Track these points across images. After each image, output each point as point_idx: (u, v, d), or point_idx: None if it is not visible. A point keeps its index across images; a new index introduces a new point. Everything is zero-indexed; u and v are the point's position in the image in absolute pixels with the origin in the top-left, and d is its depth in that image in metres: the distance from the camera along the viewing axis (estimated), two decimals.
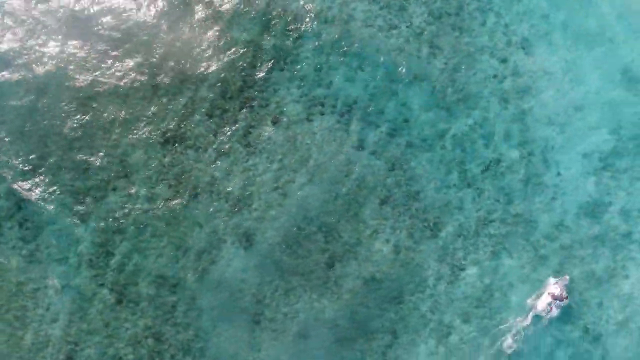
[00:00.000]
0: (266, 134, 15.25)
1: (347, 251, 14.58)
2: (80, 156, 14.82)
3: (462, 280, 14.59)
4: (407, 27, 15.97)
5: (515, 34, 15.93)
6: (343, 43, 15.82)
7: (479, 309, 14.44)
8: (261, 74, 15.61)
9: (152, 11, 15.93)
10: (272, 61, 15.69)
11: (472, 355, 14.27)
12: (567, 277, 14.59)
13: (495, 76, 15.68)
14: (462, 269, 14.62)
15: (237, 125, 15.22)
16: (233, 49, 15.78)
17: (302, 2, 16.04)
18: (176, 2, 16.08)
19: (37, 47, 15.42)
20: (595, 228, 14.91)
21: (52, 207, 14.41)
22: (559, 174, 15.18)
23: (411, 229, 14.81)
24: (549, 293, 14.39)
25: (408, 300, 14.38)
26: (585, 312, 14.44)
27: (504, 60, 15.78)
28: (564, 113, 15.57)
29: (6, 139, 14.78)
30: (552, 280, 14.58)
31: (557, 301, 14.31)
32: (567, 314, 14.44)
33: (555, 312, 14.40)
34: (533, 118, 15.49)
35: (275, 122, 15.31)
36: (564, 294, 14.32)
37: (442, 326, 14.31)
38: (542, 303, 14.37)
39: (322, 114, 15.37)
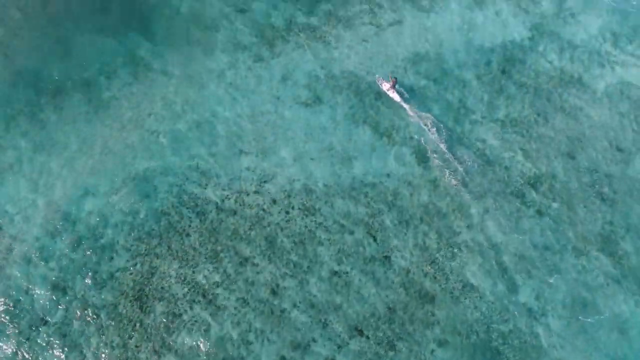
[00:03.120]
0: None
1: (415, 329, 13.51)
2: None
3: None
4: None
5: None
6: None
7: None
8: None
9: None
10: None
11: None
12: (378, 76, 18.06)
13: None
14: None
15: None
16: None
17: None
18: None
19: None
20: None
21: None
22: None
23: (369, 262, 14.33)
24: (387, 90, 17.66)
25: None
26: None
27: None
28: None
29: None
30: (382, 84, 17.81)
31: (395, 85, 17.53)
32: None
33: (402, 91, 17.63)
34: None
35: None
36: (392, 80, 17.48)
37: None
38: (395, 96, 17.50)
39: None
